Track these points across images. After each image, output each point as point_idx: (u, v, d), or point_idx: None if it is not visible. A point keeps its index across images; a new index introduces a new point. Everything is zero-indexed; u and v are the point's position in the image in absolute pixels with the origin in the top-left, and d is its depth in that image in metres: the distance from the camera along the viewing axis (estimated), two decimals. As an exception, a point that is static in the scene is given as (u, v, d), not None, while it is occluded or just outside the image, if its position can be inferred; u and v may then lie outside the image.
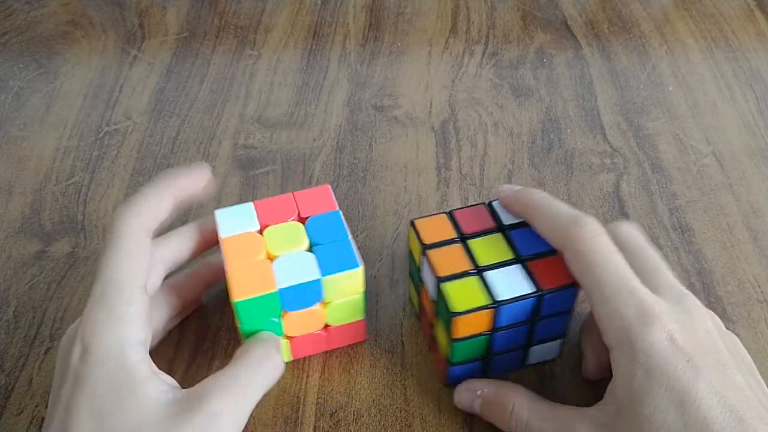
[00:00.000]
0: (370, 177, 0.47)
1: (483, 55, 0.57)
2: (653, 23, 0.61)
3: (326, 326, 0.36)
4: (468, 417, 0.35)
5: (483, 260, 0.34)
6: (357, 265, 0.34)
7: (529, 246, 0.34)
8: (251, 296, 0.33)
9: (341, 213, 0.36)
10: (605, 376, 0.33)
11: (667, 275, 0.32)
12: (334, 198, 0.37)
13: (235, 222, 0.36)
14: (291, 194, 0.37)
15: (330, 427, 0.35)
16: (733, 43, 0.59)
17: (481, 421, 0.35)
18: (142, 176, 0.48)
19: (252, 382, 0.31)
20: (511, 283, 0.33)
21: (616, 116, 0.52)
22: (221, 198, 0.46)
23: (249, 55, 0.58)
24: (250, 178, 0.47)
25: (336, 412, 0.35)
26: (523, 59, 0.57)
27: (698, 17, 0.61)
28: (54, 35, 0.60)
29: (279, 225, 0.36)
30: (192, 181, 0.36)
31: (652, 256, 0.33)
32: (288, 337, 0.36)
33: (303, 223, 0.36)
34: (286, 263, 0.34)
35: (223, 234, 0.35)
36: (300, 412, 0.35)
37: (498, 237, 0.35)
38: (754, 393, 0.28)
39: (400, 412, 0.35)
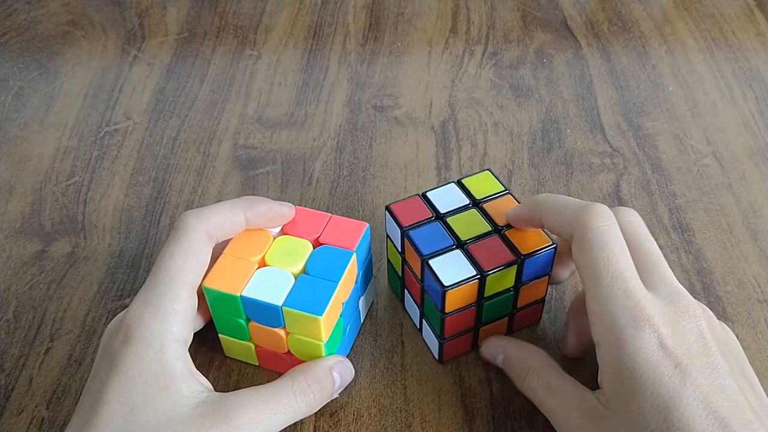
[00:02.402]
0: (370, 177, 0.47)
1: (483, 55, 0.57)
2: (653, 23, 0.61)
3: (290, 352, 0.35)
4: (468, 417, 0.35)
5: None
6: (319, 313, 0.32)
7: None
8: (217, 289, 0.33)
9: (354, 256, 0.35)
10: (583, 356, 0.34)
11: (665, 272, 0.31)
12: (362, 239, 0.35)
13: None
14: (328, 215, 0.36)
15: (330, 426, 0.35)
16: (733, 43, 0.58)
17: (481, 421, 0.35)
18: (142, 176, 0.48)
19: (279, 411, 0.31)
20: None
21: (616, 116, 0.52)
22: (221, 198, 0.46)
23: (249, 55, 0.58)
24: (250, 178, 0.47)
25: (336, 412, 0.35)
26: (523, 59, 0.57)
27: (698, 17, 0.61)
28: (54, 35, 0.60)
29: (293, 238, 0.35)
30: (273, 213, 0.35)
31: (652, 249, 0.32)
32: (255, 344, 0.36)
33: (315, 247, 0.35)
34: (266, 276, 0.34)
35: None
36: (300, 412, 0.35)
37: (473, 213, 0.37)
38: (744, 396, 0.28)
39: (400, 412, 0.35)
